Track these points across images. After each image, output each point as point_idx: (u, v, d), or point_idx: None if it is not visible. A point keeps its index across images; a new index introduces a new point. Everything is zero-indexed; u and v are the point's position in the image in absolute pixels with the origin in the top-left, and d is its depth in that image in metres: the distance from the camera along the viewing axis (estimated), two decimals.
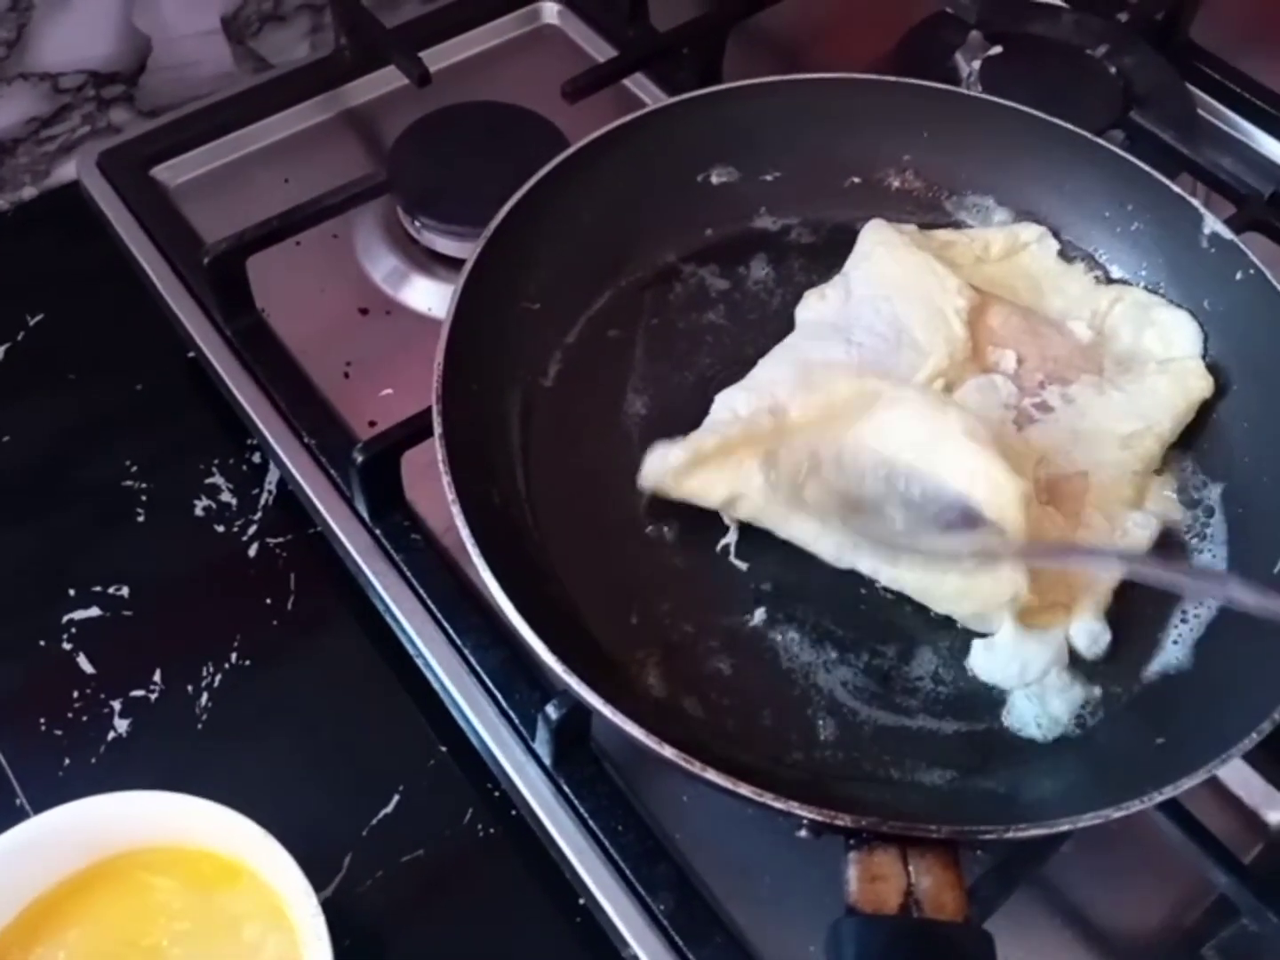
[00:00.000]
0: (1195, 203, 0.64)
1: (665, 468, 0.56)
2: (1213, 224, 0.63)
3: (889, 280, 0.64)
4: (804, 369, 0.60)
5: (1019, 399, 0.61)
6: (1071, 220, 0.69)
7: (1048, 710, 0.54)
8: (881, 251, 0.65)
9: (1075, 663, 0.55)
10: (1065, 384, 0.62)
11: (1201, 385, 0.62)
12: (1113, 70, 0.83)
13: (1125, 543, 0.58)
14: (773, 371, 0.61)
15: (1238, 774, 0.59)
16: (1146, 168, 0.65)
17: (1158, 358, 0.63)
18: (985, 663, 0.55)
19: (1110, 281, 0.68)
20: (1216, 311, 0.64)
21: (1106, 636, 0.56)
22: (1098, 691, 0.55)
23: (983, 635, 0.56)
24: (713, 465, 0.56)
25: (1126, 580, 0.57)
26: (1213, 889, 0.57)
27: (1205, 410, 0.63)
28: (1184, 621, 0.58)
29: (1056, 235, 0.69)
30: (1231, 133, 0.85)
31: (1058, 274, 0.68)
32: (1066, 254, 0.69)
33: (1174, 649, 0.57)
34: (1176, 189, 0.65)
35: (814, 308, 0.65)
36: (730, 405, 0.59)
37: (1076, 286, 0.67)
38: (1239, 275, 0.62)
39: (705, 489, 0.57)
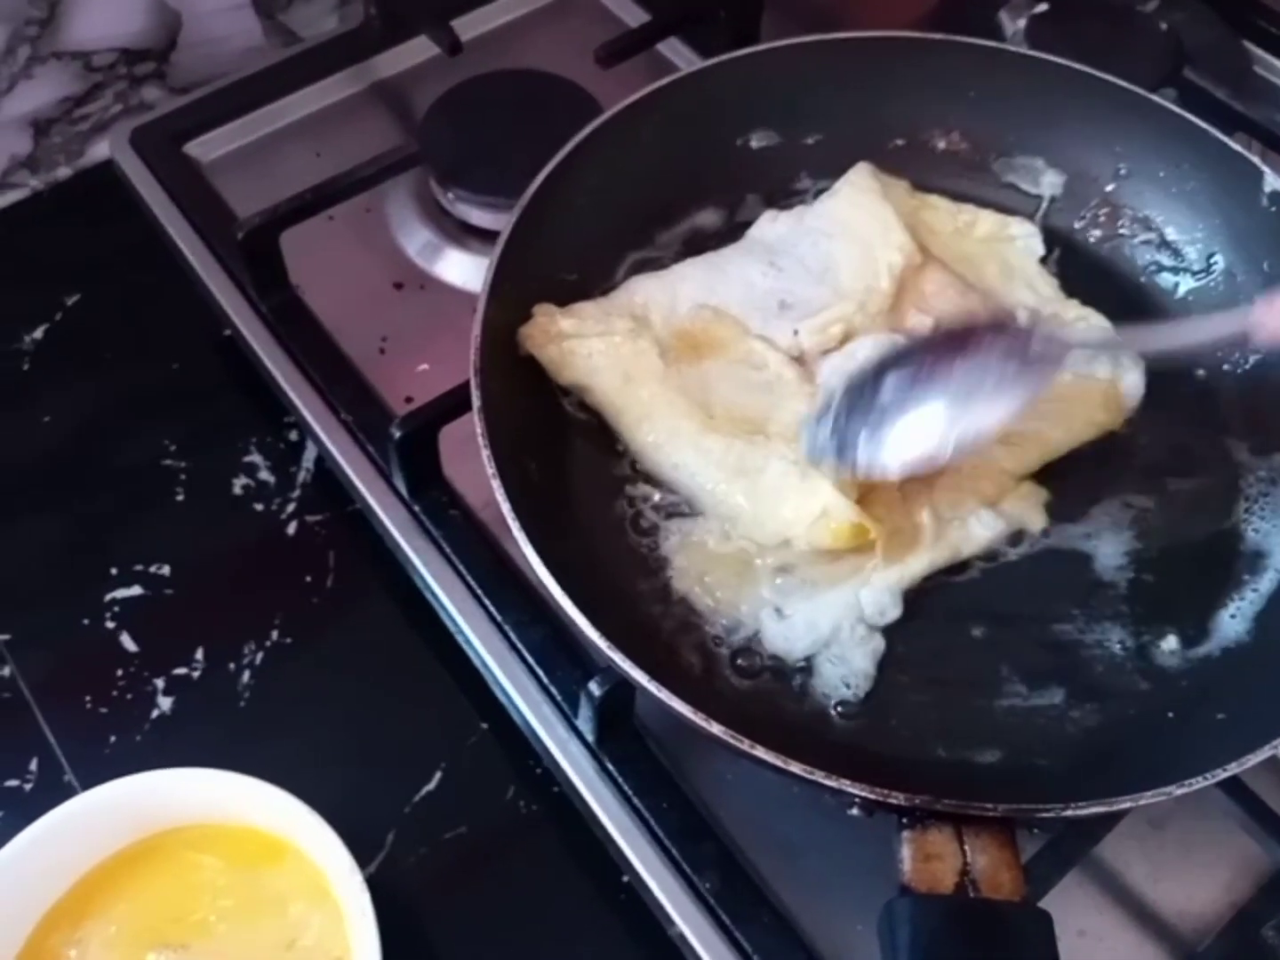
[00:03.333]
0: (1255, 159, 0.61)
1: (540, 325, 0.58)
2: (1273, 181, 0.61)
3: (839, 220, 0.64)
4: (707, 282, 0.61)
5: None
6: (1125, 181, 0.67)
7: (852, 668, 0.53)
8: (847, 191, 0.65)
9: None
10: None
11: (1110, 416, 0.60)
12: (1163, 26, 0.80)
13: (958, 535, 0.56)
14: (686, 271, 0.63)
15: None
16: (1204, 124, 0.63)
17: (1079, 370, 0.61)
18: (778, 633, 0.54)
19: (1164, 244, 0.66)
20: (1276, 272, 0.62)
21: (895, 612, 0.55)
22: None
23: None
24: (589, 336, 0.58)
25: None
26: (1273, 867, 0.55)
27: (1262, 372, 0.61)
28: (1241, 597, 0.56)
29: (1110, 202, 0.67)
30: None
31: (1034, 274, 0.67)
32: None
33: (1232, 623, 0.56)
34: (1236, 146, 0.62)
35: (762, 227, 0.66)
36: (634, 289, 0.61)
37: (1048, 290, 0.66)
38: None
39: (569, 358, 0.58)
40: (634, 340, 0.59)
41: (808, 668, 0.54)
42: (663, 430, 0.57)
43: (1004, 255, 0.67)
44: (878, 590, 0.54)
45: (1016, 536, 0.58)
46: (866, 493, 0.55)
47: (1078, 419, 0.60)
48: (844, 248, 0.63)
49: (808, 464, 0.54)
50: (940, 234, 0.66)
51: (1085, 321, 0.64)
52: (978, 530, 0.57)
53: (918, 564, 0.55)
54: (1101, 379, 0.61)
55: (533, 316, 0.59)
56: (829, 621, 0.54)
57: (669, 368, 0.59)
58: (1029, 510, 0.58)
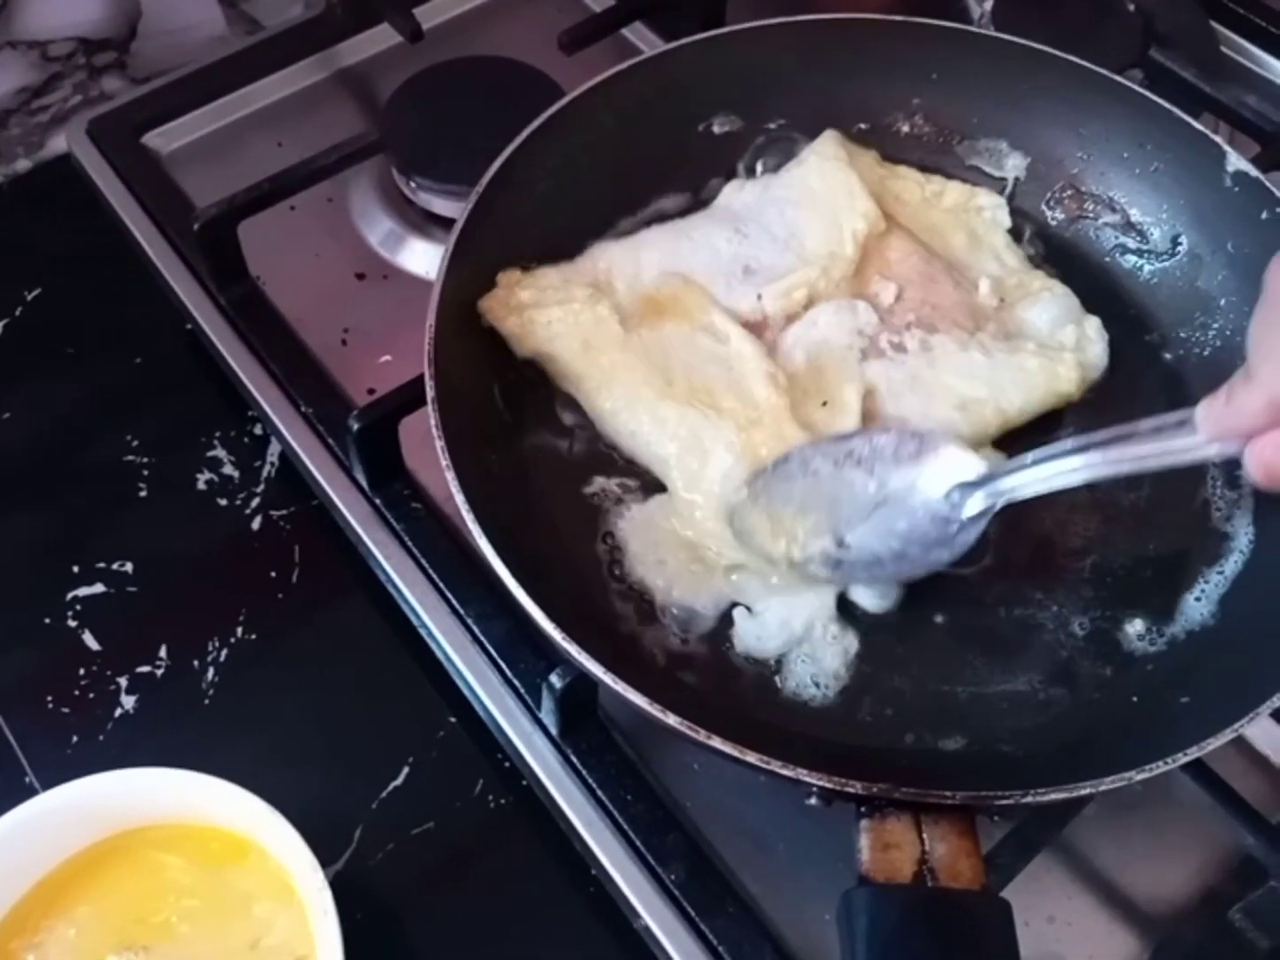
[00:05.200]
0: (1218, 140, 0.61)
1: (500, 299, 0.58)
2: (1236, 161, 0.61)
3: (805, 188, 0.64)
4: (672, 248, 0.62)
5: (877, 331, 0.61)
6: (1089, 162, 0.67)
7: (823, 667, 0.53)
8: (813, 161, 0.65)
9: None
10: (931, 332, 0.61)
11: (1071, 378, 0.60)
12: (1131, 7, 0.79)
13: None
14: (651, 237, 0.63)
15: (1265, 733, 0.58)
16: (1167, 105, 0.63)
17: (1042, 339, 0.61)
18: (750, 631, 0.54)
19: (1129, 226, 0.66)
20: (1241, 254, 0.61)
21: (894, 593, 0.55)
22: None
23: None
24: (549, 305, 0.59)
25: None
26: (1239, 851, 0.55)
27: (1229, 353, 0.60)
28: (1206, 580, 0.56)
29: (1074, 184, 0.67)
30: (1257, 70, 0.82)
31: (1001, 245, 0.67)
32: (1021, 227, 0.68)
33: (1197, 606, 0.56)
34: (1199, 126, 0.62)
35: (729, 194, 0.66)
36: (598, 255, 0.62)
37: (1014, 260, 0.66)
38: (1264, 215, 0.60)
39: (529, 326, 0.58)
40: (593, 307, 0.59)
41: (777, 664, 0.54)
42: (620, 397, 0.58)
43: (971, 225, 0.67)
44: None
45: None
46: None
47: (1038, 388, 0.60)
48: (809, 214, 0.63)
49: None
50: (908, 203, 0.66)
51: (1050, 292, 0.64)
52: None
53: None
54: (1065, 347, 0.61)
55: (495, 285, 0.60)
56: (802, 620, 0.54)
57: (629, 334, 0.59)
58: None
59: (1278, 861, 0.52)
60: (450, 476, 0.49)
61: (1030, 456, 0.50)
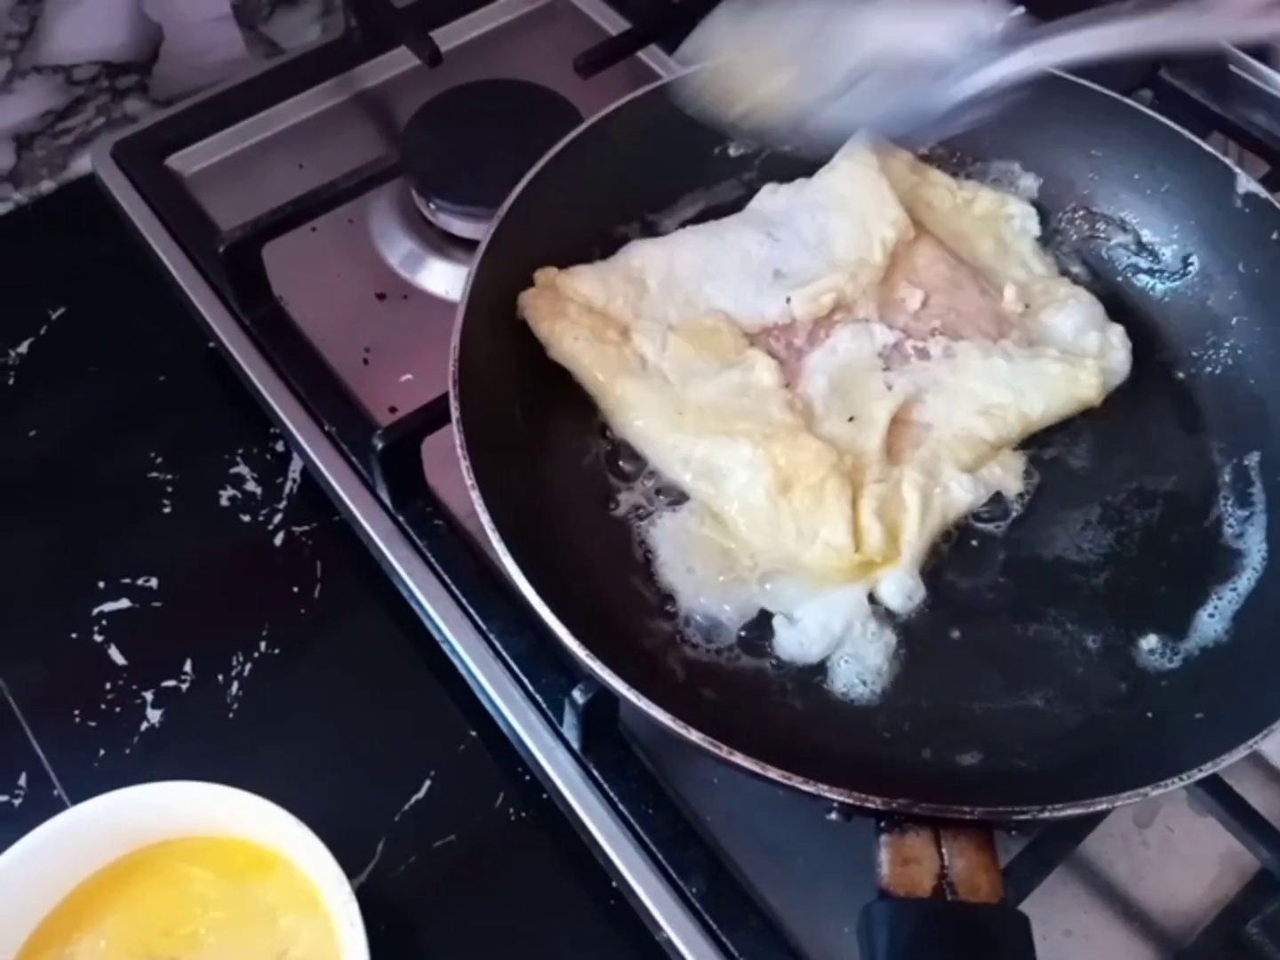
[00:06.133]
0: (1228, 161, 0.62)
1: (535, 300, 0.59)
2: (1246, 183, 0.61)
3: (836, 194, 0.65)
4: (705, 249, 0.63)
5: (902, 340, 0.62)
6: (1100, 184, 0.67)
7: (867, 665, 0.54)
8: (846, 166, 0.66)
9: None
10: (956, 338, 0.62)
11: (1092, 384, 0.61)
12: None
13: (942, 501, 0.57)
14: (685, 238, 0.64)
15: (1279, 748, 0.58)
16: (1176, 127, 0.64)
17: (1065, 345, 0.62)
18: (791, 639, 0.54)
19: (1140, 246, 0.67)
20: (1251, 274, 0.62)
21: (920, 591, 0.55)
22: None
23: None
24: (582, 326, 0.60)
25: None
26: (1255, 865, 0.56)
27: (1240, 372, 0.61)
28: (1219, 597, 0.57)
29: (1086, 205, 0.68)
30: (1266, 88, 0.82)
31: (1029, 252, 0.67)
32: (1048, 240, 0.68)
33: (1210, 622, 0.56)
34: (1208, 148, 0.63)
35: (763, 199, 0.67)
36: (633, 254, 0.63)
37: (1041, 268, 0.67)
38: (1275, 235, 0.60)
39: (559, 339, 0.60)
40: (619, 349, 0.60)
41: (810, 671, 0.54)
42: (634, 425, 0.59)
43: (1000, 233, 0.68)
44: (897, 578, 0.55)
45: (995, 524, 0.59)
46: (857, 473, 0.56)
47: (1060, 393, 0.60)
48: (839, 220, 0.64)
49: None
50: (938, 210, 0.67)
51: (1075, 299, 0.64)
52: (959, 494, 0.57)
53: (919, 540, 0.55)
54: (1088, 354, 0.62)
55: (534, 283, 0.61)
56: (841, 621, 0.54)
57: (649, 367, 0.60)
58: (1007, 475, 0.59)
59: None
60: (475, 495, 0.50)
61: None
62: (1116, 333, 0.63)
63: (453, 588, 0.60)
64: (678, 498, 0.59)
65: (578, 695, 0.52)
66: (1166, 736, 0.51)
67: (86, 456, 0.73)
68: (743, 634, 0.55)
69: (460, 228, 0.75)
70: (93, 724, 0.63)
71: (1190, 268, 0.65)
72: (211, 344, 0.73)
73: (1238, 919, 0.55)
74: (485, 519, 0.50)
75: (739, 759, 0.44)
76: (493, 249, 0.59)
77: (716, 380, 0.59)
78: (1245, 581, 0.57)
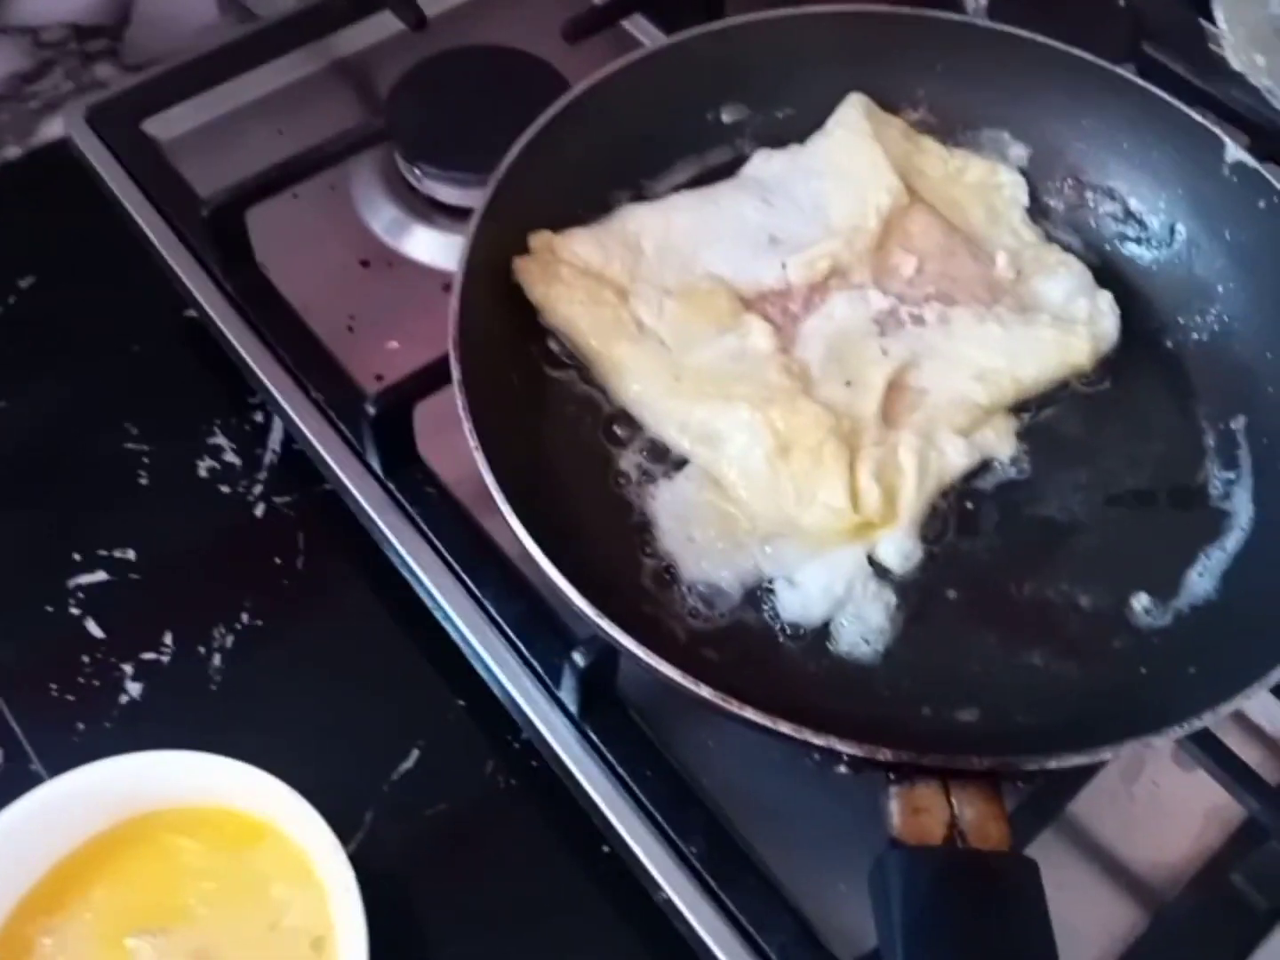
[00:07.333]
0: (1217, 130, 0.63)
1: (541, 258, 0.59)
2: (1235, 152, 0.62)
3: (831, 160, 0.66)
4: (700, 213, 0.63)
5: (897, 306, 0.62)
6: (1089, 153, 0.68)
7: (869, 625, 0.54)
8: (840, 134, 0.67)
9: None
10: (950, 304, 0.62)
11: (1083, 349, 0.62)
12: (1122, 3, 0.81)
13: (939, 462, 0.57)
14: (681, 201, 0.64)
15: (1261, 706, 0.60)
16: (1166, 96, 0.64)
17: (1056, 311, 0.63)
18: (794, 601, 0.55)
19: (1128, 215, 0.68)
20: (1238, 242, 0.63)
21: (918, 553, 0.56)
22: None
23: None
24: (577, 289, 0.59)
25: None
26: (1240, 815, 0.57)
27: (1226, 339, 0.62)
28: (1208, 557, 0.58)
29: (1075, 174, 0.68)
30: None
31: (1018, 221, 0.68)
32: (1037, 209, 0.69)
33: (1200, 581, 0.57)
34: (1198, 117, 0.63)
35: (757, 165, 0.67)
36: (627, 217, 0.63)
37: (1031, 236, 0.67)
38: (1262, 204, 0.61)
39: (554, 303, 0.59)
40: (615, 312, 0.59)
41: (816, 633, 0.54)
42: (631, 390, 0.59)
43: (990, 201, 0.68)
44: (895, 540, 0.55)
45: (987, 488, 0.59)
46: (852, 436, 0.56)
47: (1052, 358, 0.61)
48: (834, 187, 0.64)
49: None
50: (931, 177, 0.68)
51: (1065, 266, 0.65)
52: (954, 458, 0.58)
53: (917, 502, 0.56)
54: (1078, 320, 0.62)
55: (529, 246, 0.61)
56: (843, 582, 0.55)
57: (645, 330, 0.59)
58: (1001, 440, 0.60)
59: (1277, 821, 0.54)
60: (479, 457, 0.49)
61: None
62: (1105, 299, 0.64)
63: (446, 554, 0.60)
64: (676, 463, 0.58)
65: (578, 658, 0.52)
66: (1161, 690, 0.52)
67: (60, 429, 0.71)
68: (744, 598, 0.55)
69: (446, 194, 0.74)
70: (71, 698, 0.62)
71: (1177, 236, 0.66)
72: (188, 313, 0.72)
73: (1222, 869, 0.56)
74: (490, 480, 0.49)
75: (750, 713, 0.44)
76: (489, 214, 0.58)
77: (713, 345, 0.59)
78: (1233, 542, 0.58)
